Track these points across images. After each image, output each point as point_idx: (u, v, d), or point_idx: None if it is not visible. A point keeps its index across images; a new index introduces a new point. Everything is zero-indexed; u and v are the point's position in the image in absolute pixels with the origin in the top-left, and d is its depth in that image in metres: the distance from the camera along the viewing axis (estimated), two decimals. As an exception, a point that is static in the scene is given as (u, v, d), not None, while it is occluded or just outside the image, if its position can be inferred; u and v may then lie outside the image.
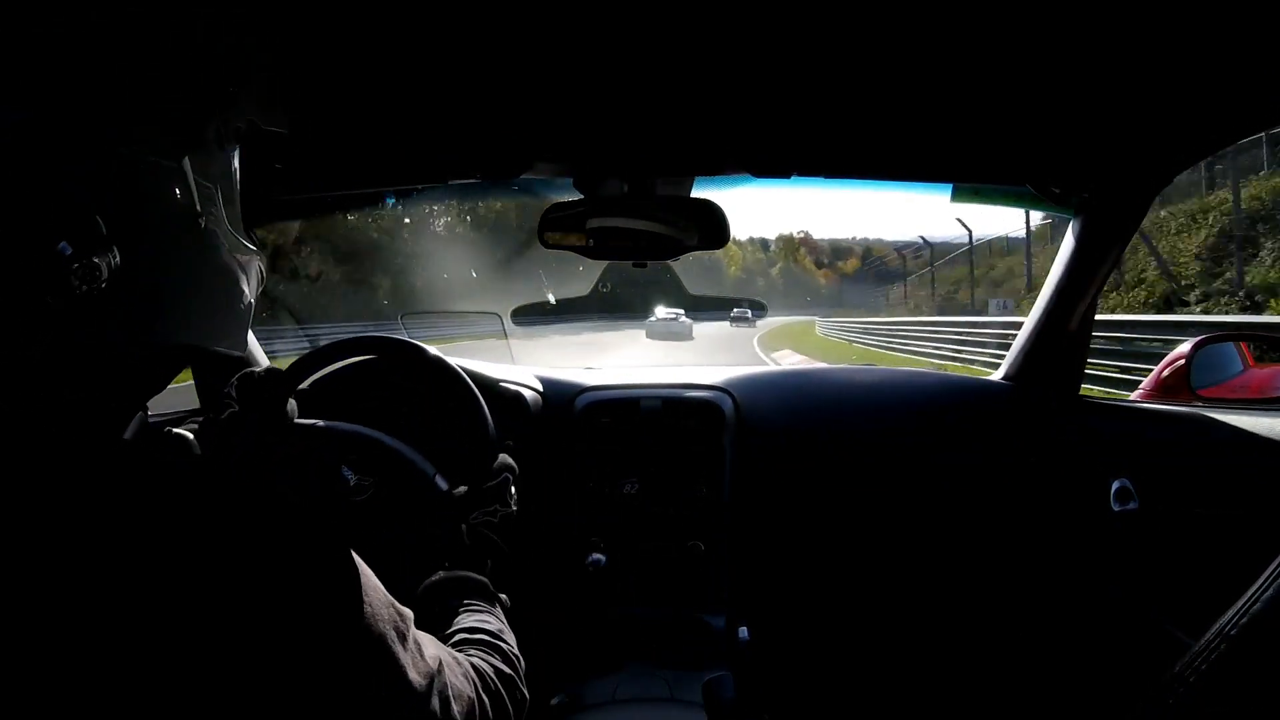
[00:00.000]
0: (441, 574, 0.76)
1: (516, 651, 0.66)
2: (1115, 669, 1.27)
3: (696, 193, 1.23)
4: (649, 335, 20.01)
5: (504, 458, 0.98)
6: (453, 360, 1.24)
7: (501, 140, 1.09)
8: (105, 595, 0.35)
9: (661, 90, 0.90)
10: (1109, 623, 1.23)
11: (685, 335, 19.95)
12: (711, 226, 1.16)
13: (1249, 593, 0.46)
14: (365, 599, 0.43)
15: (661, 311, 21.13)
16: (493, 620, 0.69)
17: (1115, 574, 1.23)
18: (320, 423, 1.03)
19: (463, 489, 0.95)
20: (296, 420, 1.03)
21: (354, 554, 0.44)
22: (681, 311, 21.57)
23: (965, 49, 0.78)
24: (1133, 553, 1.18)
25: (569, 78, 0.86)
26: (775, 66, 0.83)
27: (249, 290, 0.54)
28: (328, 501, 0.97)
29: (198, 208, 0.46)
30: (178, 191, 0.45)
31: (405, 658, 0.47)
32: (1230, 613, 0.47)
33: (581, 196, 1.22)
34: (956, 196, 1.37)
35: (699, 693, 0.88)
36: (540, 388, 1.47)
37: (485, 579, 0.77)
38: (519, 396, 1.39)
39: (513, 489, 0.95)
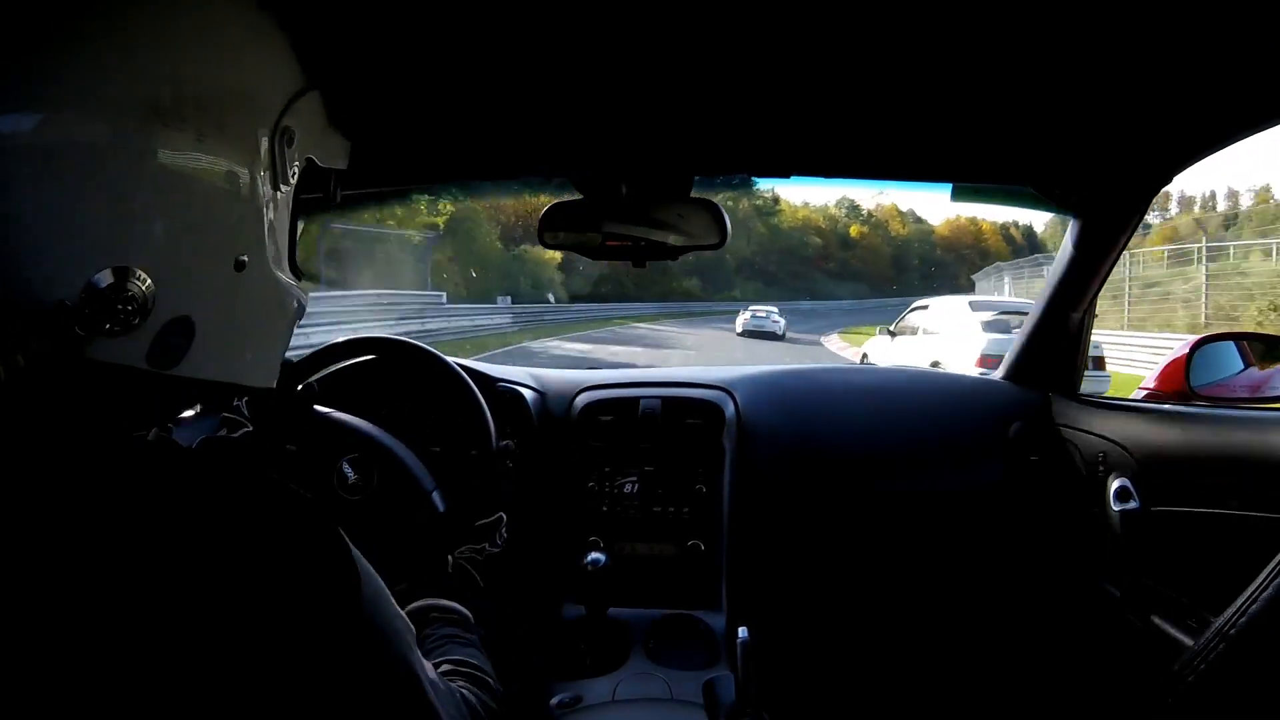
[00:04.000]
0: (427, 601, 0.76)
1: (499, 687, 0.66)
2: (1114, 669, 1.27)
3: (696, 193, 1.23)
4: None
5: (503, 484, 0.99)
6: (452, 360, 1.24)
7: (502, 140, 1.09)
8: (125, 595, 0.35)
9: (661, 90, 0.90)
10: (1108, 622, 1.23)
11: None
12: (711, 226, 1.16)
13: (1247, 593, 0.46)
14: (383, 610, 0.43)
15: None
16: (477, 654, 0.69)
17: (1114, 573, 1.23)
18: (334, 412, 1.03)
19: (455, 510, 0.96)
20: (314, 407, 1.02)
21: (367, 565, 0.43)
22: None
23: (965, 49, 0.78)
24: (1132, 552, 1.18)
25: (569, 78, 0.86)
26: (774, 67, 0.83)
27: (284, 325, 0.53)
28: (321, 495, 0.96)
29: (240, 245, 0.45)
30: (221, 227, 0.44)
31: (420, 672, 0.46)
32: (1229, 612, 0.47)
33: (581, 197, 1.22)
34: (957, 196, 1.37)
35: (699, 693, 0.88)
36: (540, 387, 1.48)
37: (468, 612, 0.77)
38: (518, 396, 1.39)
39: (504, 530, 0.95)
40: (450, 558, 0.88)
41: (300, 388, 1.03)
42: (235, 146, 0.44)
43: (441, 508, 0.98)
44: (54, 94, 0.38)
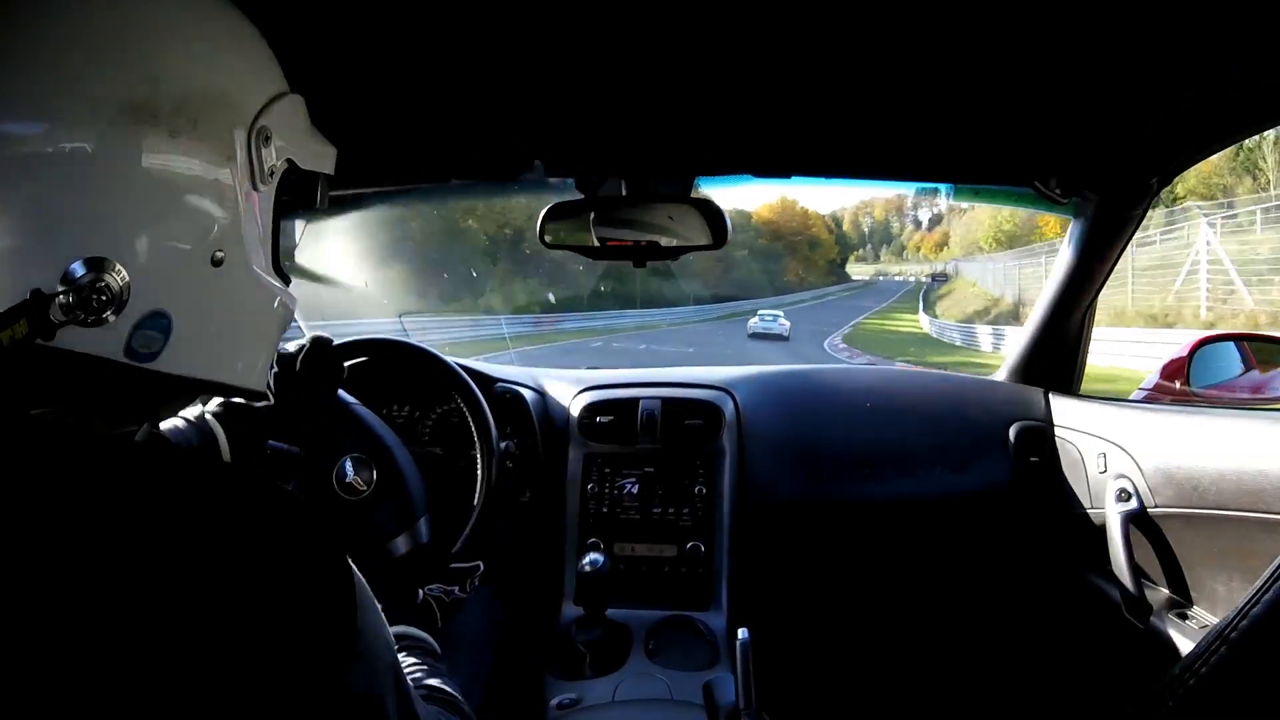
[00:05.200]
0: (399, 628, 0.75)
1: (473, 715, 0.66)
2: (1114, 671, 1.27)
3: (696, 193, 1.22)
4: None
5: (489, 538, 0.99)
6: (452, 360, 1.24)
7: (503, 140, 1.09)
8: (115, 599, 0.34)
9: (662, 91, 0.90)
10: (1108, 624, 1.23)
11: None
12: (712, 226, 1.16)
13: (1249, 595, 0.46)
14: (373, 618, 0.42)
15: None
16: (449, 683, 0.68)
17: (1114, 575, 1.23)
18: (356, 405, 1.03)
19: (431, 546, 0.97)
20: (339, 393, 1.02)
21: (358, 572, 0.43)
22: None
23: (965, 49, 0.78)
24: (1131, 554, 1.18)
25: (570, 78, 0.86)
26: (775, 67, 0.83)
27: (269, 325, 0.53)
28: (317, 488, 0.96)
29: (217, 241, 0.46)
30: (196, 222, 0.45)
31: (406, 681, 0.46)
32: (1230, 615, 0.47)
33: (582, 197, 1.22)
34: (957, 196, 1.38)
35: (699, 693, 0.88)
36: (539, 387, 1.47)
37: (435, 644, 0.77)
38: (518, 396, 1.39)
39: (476, 578, 0.95)
40: (421, 591, 0.88)
41: (331, 370, 1.02)
42: (210, 144, 0.45)
43: (425, 538, 0.97)
44: (28, 89, 0.39)
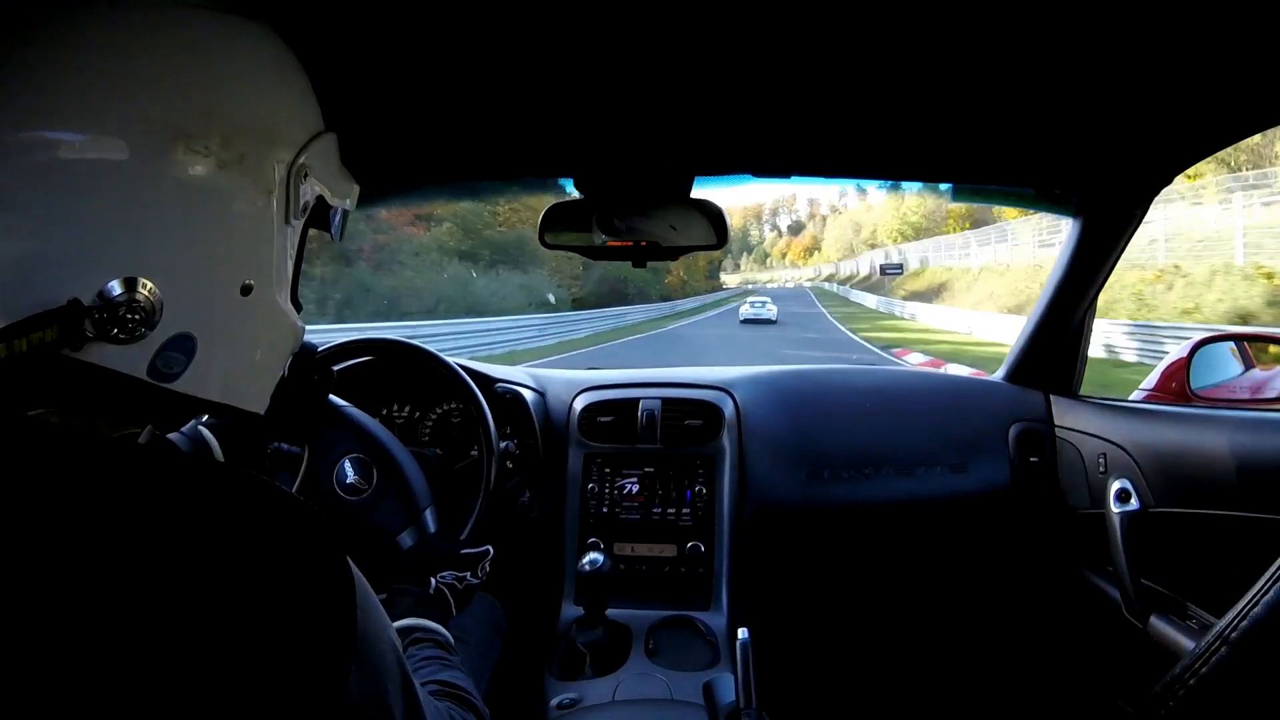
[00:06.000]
0: (410, 621, 0.76)
1: (485, 709, 0.66)
2: (1114, 671, 1.27)
3: (696, 193, 1.22)
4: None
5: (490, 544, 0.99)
6: (452, 360, 1.24)
7: (502, 140, 1.09)
8: (115, 600, 0.34)
9: (661, 91, 0.90)
10: (1107, 625, 1.23)
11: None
12: (712, 226, 1.16)
13: (1249, 595, 0.46)
14: (375, 619, 0.43)
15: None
16: (461, 677, 0.69)
17: (1115, 575, 1.23)
18: (347, 406, 1.03)
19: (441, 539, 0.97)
20: (330, 397, 1.02)
21: (359, 573, 0.43)
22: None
23: (966, 50, 0.78)
24: (1132, 554, 1.18)
25: (569, 78, 0.86)
26: (775, 67, 0.83)
27: (283, 353, 0.54)
28: (317, 490, 0.96)
29: (248, 271, 0.47)
30: (231, 251, 0.46)
31: (414, 681, 0.46)
32: (1230, 615, 0.47)
33: (582, 197, 1.22)
34: (957, 197, 1.37)
35: (699, 693, 0.89)
36: (539, 388, 1.47)
37: (449, 635, 0.77)
38: (518, 396, 1.39)
39: (487, 564, 0.95)
40: (433, 581, 0.88)
41: (318, 376, 1.02)
42: (253, 178, 0.46)
43: (432, 528, 0.97)
44: (90, 104, 0.40)
